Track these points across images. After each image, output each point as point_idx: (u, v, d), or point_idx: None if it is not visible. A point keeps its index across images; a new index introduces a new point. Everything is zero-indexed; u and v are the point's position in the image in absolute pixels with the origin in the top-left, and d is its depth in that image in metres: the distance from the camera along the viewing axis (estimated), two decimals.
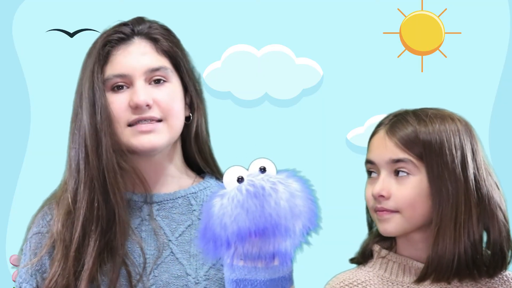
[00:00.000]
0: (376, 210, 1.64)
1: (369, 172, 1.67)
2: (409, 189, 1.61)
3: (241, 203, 1.44)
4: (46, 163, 2.53)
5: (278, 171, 1.49)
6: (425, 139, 1.61)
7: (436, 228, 1.60)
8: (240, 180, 1.47)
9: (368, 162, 1.66)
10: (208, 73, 2.57)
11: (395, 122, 1.65)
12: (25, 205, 2.53)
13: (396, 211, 1.62)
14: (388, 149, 1.63)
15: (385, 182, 1.62)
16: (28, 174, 2.59)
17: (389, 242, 1.70)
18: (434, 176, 1.61)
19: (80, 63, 1.77)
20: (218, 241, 1.46)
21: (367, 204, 1.68)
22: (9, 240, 2.58)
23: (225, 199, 1.46)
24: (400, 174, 1.62)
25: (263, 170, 1.48)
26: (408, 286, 1.66)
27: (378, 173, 1.64)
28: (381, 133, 1.66)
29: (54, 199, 1.74)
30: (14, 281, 2.56)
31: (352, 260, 1.73)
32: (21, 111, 2.60)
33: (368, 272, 1.69)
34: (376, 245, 1.70)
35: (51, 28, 2.60)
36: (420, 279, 1.63)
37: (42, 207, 1.76)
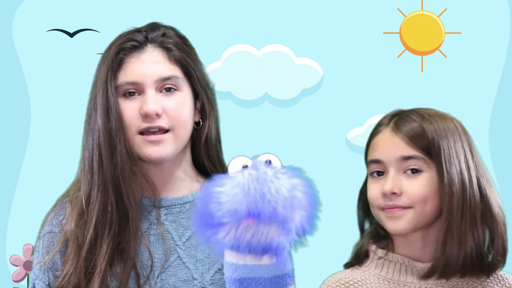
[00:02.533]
0: (385, 208, 1.64)
1: (375, 172, 1.67)
2: (421, 185, 1.62)
3: (241, 185, 1.43)
4: (46, 163, 2.54)
5: (283, 167, 1.48)
6: (432, 135, 1.63)
7: (446, 225, 1.60)
8: (245, 167, 1.46)
9: (374, 161, 1.66)
10: (208, 73, 2.57)
11: (399, 120, 1.66)
12: (25, 205, 2.54)
13: (408, 207, 1.62)
14: (397, 146, 1.63)
15: (395, 179, 1.63)
16: (28, 174, 2.59)
17: (384, 243, 1.71)
18: (444, 172, 1.61)
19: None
20: (211, 219, 1.44)
21: (372, 204, 1.67)
22: (9, 240, 2.58)
23: (226, 181, 1.45)
24: (411, 171, 1.62)
25: (268, 162, 1.47)
26: (404, 285, 1.66)
27: (386, 171, 1.64)
28: (386, 132, 1.66)
29: (67, 197, 1.76)
30: (14, 281, 2.57)
31: (346, 265, 1.73)
32: (21, 111, 2.60)
33: (364, 271, 1.70)
34: (372, 245, 1.71)
35: (51, 28, 2.60)
36: (426, 276, 1.64)
37: (55, 205, 1.79)
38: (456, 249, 1.60)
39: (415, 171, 1.62)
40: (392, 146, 1.64)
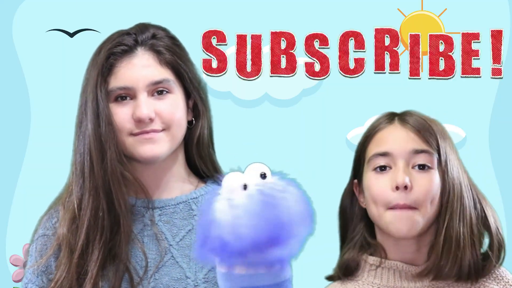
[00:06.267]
0: (392, 208, 1.58)
1: (378, 167, 1.61)
2: (430, 183, 1.58)
3: (257, 213, 1.38)
4: (46, 163, 2.54)
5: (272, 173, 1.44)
6: (438, 134, 1.61)
7: (445, 227, 1.58)
8: (245, 188, 1.41)
9: (381, 155, 1.61)
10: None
11: (403, 116, 1.64)
12: (25, 205, 2.54)
13: (414, 208, 1.57)
14: (410, 138, 1.59)
15: (406, 172, 1.57)
16: (28, 174, 2.59)
17: (372, 250, 1.67)
18: (448, 172, 1.59)
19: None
20: (227, 250, 1.40)
21: (377, 201, 1.60)
22: (9, 240, 2.58)
23: (235, 209, 1.39)
24: (420, 168, 1.58)
25: (263, 176, 1.42)
26: None
27: (393, 165, 1.59)
28: (394, 126, 1.63)
29: (59, 201, 1.76)
30: (14, 281, 2.56)
31: (330, 278, 1.70)
32: (21, 111, 2.60)
33: (357, 282, 1.66)
34: (365, 255, 1.66)
35: (51, 28, 2.60)
36: (420, 275, 1.62)
37: (49, 209, 1.78)
38: (454, 252, 1.58)
39: (422, 167, 1.59)
40: (405, 137, 1.60)
